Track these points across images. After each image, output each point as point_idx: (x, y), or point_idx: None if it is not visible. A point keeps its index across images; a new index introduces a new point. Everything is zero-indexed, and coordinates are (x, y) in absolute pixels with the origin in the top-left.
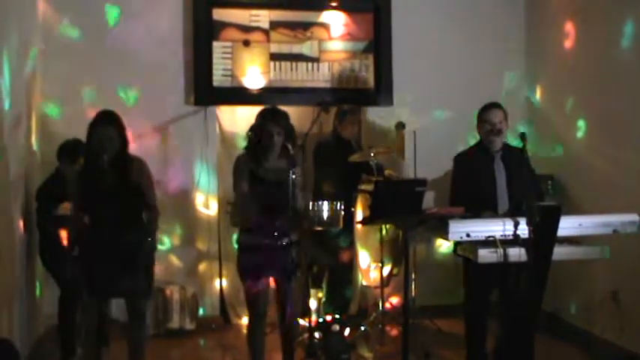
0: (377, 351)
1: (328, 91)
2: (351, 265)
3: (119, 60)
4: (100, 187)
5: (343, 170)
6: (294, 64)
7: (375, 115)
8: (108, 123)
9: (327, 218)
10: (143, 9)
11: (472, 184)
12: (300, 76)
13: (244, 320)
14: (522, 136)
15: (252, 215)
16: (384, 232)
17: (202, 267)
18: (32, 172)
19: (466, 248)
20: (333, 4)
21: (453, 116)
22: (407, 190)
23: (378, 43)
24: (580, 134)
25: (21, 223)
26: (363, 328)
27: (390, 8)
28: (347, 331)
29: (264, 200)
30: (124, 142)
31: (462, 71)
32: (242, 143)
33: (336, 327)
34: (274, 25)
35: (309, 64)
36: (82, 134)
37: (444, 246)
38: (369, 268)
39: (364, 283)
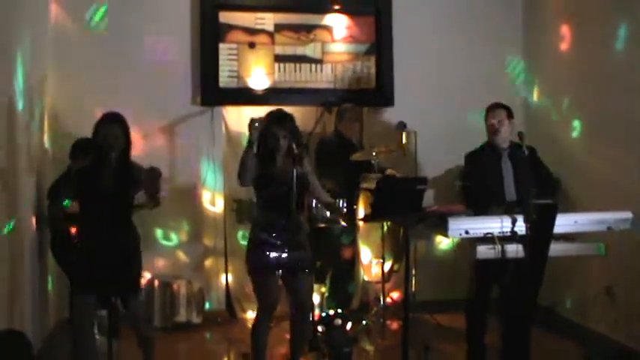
0: (378, 344)
1: (331, 92)
2: (353, 262)
3: (129, 62)
4: (102, 184)
5: (345, 168)
6: (297, 65)
7: (376, 116)
8: (113, 121)
9: (330, 215)
10: (152, 13)
11: (480, 181)
12: (303, 77)
13: (249, 314)
14: (520, 135)
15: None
16: (385, 229)
17: (209, 262)
18: (44, 170)
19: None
20: (336, 7)
21: (452, 116)
22: (408, 188)
23: (379, 45)
24: (575, 134)
25: (33, 220)
26: (364, 322)
27: (391, 11)
28: (349, 325)
29: (274, 199)
30: (128, 143)
31: (461, 72)
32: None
33: (339, 321)
34: (279, 27)
35: (313, 66)
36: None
37: (443, 243)
38: (371, 264)
39: (366, 279)
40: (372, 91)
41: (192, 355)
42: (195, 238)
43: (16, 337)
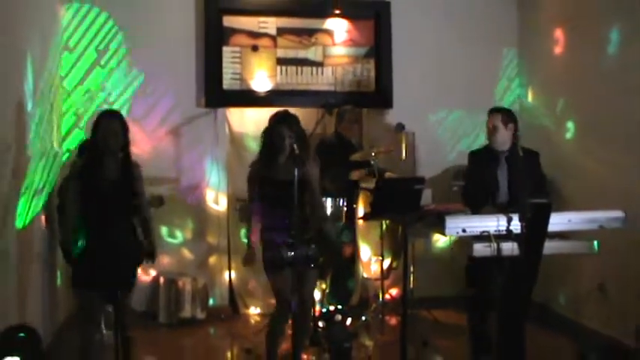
0: (377, 340)
1: (331, 94)
2: (353, 259)
3: (135, 63)
4: (102, 182)
5: (345, 168)
6: (299, 68)
7: (376, 117)
8: (112, 117)
9: (331, 214)
10: (157, 17)
11: (477, 181)
12: (305, 79)
13: (252, 310)
14: (515, 137)
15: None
16: (384, 227)
17: (212, 260)
18: (54, 169)
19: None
20: (337, 11)
21: (450, 117)
22: (406, 187)
23: (378, 48)
24: (569, 135)
25: (43, 218)
26: (364, 318)
27: (390, 16)
28: (349, 321)
29: (277, 198)
30: (127, 141)
31: (458, 75)
32: (250, 143)
33: (339, 317)
34: (281, 31)
35: (314, 69)
36: None
37: (441, 241)
38: (370, 261)
39: (365, 276)
40: (371, 93)
41: (196, 349)
42: (199, 236)
43: (27, 332)
